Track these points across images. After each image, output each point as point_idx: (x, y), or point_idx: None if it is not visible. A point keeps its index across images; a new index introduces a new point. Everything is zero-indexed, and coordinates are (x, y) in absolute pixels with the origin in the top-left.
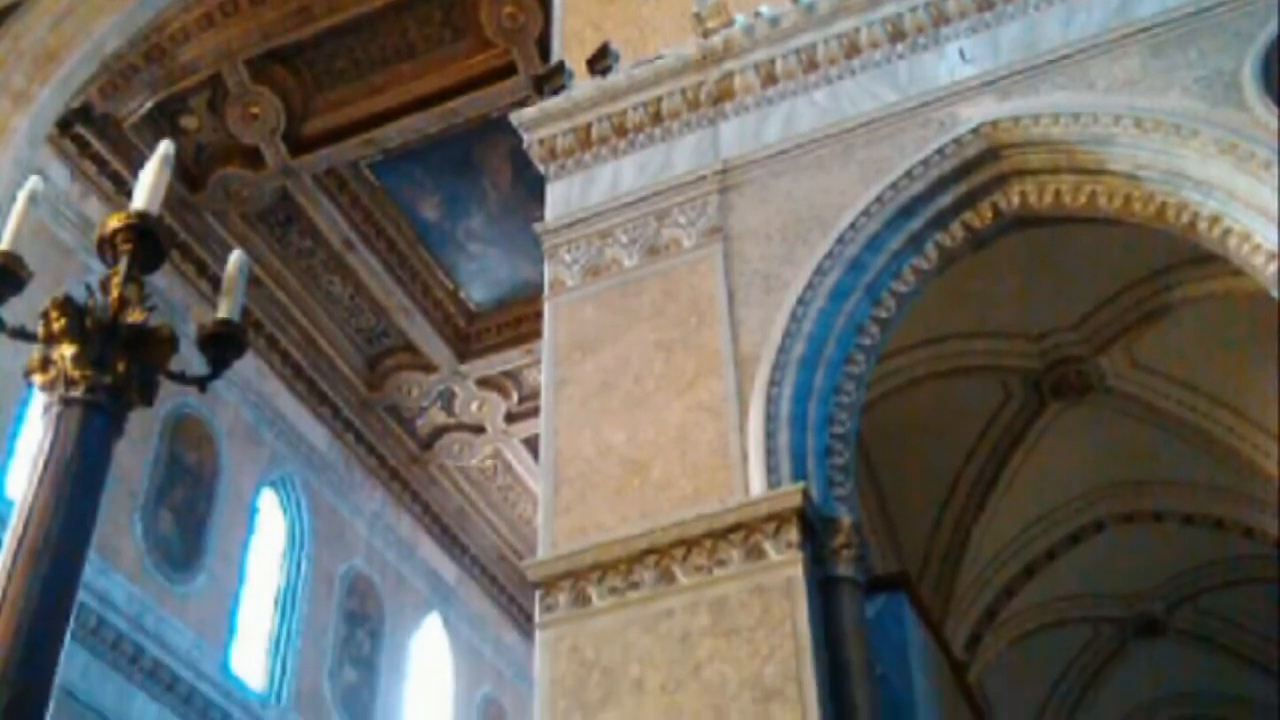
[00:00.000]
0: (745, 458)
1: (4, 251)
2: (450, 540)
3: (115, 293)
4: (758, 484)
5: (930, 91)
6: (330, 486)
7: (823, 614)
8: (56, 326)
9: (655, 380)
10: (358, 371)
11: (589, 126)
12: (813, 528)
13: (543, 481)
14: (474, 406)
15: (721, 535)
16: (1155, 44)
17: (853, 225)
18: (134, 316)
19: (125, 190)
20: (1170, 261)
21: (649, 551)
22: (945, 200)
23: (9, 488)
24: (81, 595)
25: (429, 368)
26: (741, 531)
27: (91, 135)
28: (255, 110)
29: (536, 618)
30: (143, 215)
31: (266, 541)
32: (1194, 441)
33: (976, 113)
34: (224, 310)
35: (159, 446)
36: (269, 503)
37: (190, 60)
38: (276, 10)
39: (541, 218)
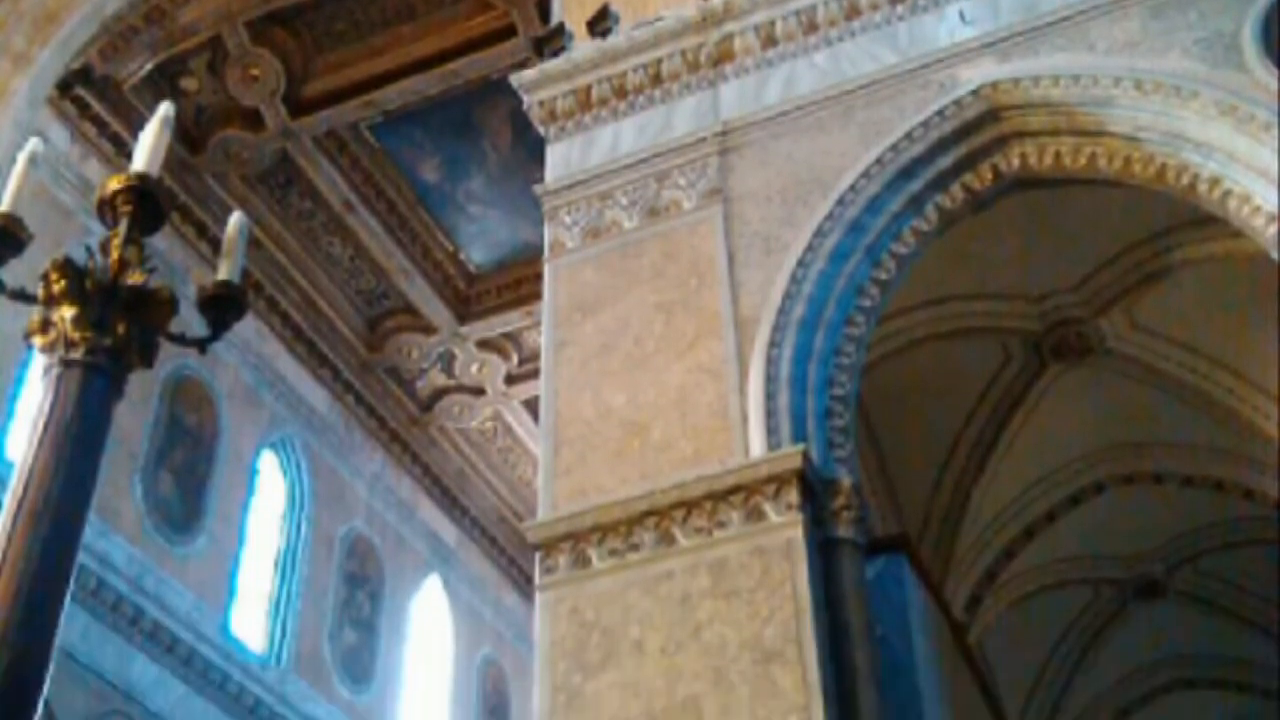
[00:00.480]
0: (745, 419)
1: (4, 213)
2: (450, 502)
3: (115, 254)
4: (758, 446)
5: (930, 53)
6: (330, 448)
7: (823, 575)
8: (56, 288)
9: (655, 342)
10: (358, 333)
11: (589, 88)
12: (813, 489)
13: (543, 443)
14: (474, 368)
15: (721, 497)
16: (1155, 5)
17: (853, 187)
18: (134, 278)
19: (125, 152)
20: (1170, 223)
21: (649, 513)
22: (945, 162)
23: (9, 449)
24: (81, 557)
25: (429, 329)
26: (741, 493)
27: (91, 97)
28: (255, 72)
29: (536, 579)
30: (143, 177)
31: (266, 503)
32: (1194, 403)
33: (976, 74)
34: (224, 272)
35: (159, 408)
36: (269, 464)
37: (190, 22)
38: None
39: (541, 179)
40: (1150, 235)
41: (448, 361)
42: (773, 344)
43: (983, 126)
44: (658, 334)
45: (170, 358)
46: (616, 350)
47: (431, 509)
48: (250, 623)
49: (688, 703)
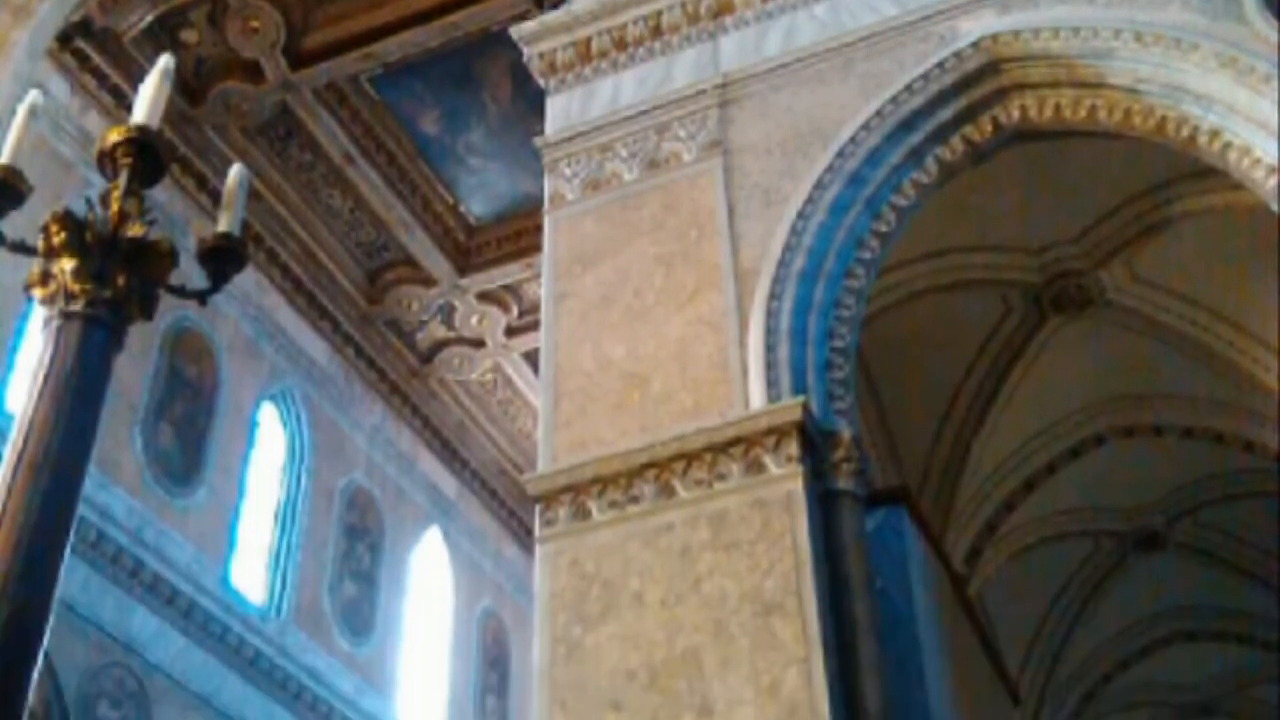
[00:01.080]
0: (745, 371)
1: (4, 165)
2: (450, 454)
3: (115, 206)
4: (757, 398)
5: (930, 5)
6: (330, 400)
7: (823, 528)
8: (56, 240)
9: (655, 294)
10: (358, 285)
11: (589, 40)
12: (812, 441)
13: (542, 395)
14: (474, 320)
15: (721, 449)
16: None
17: (852, 139)
18: (134, 230)
19: (125, 104)
20: (1170, 175)
21: (649, 465)
22: (945, 114)
23: (9, 401)
24: (81, 509)
25: (429, 282)
26: (741, 445)
27: (92, 49)
28: (255, 24)
29: (536, 531)
30: (143, 129)
31: (266, 455)
32: (1194, 355)
33: (977, 26)
34: (224, 224)
35: (159, 360)
36: (269, 416)
37: None
38: None
39: (542, 132)
40: (1150, 187)
41: (448, 313)
42: (773, 296)
43: (983, 79)
44: (658, 286)
45: (170, 310)
46: (616, 302)
47: (431, 461)
48: (250, 575)
49: (688, 654)
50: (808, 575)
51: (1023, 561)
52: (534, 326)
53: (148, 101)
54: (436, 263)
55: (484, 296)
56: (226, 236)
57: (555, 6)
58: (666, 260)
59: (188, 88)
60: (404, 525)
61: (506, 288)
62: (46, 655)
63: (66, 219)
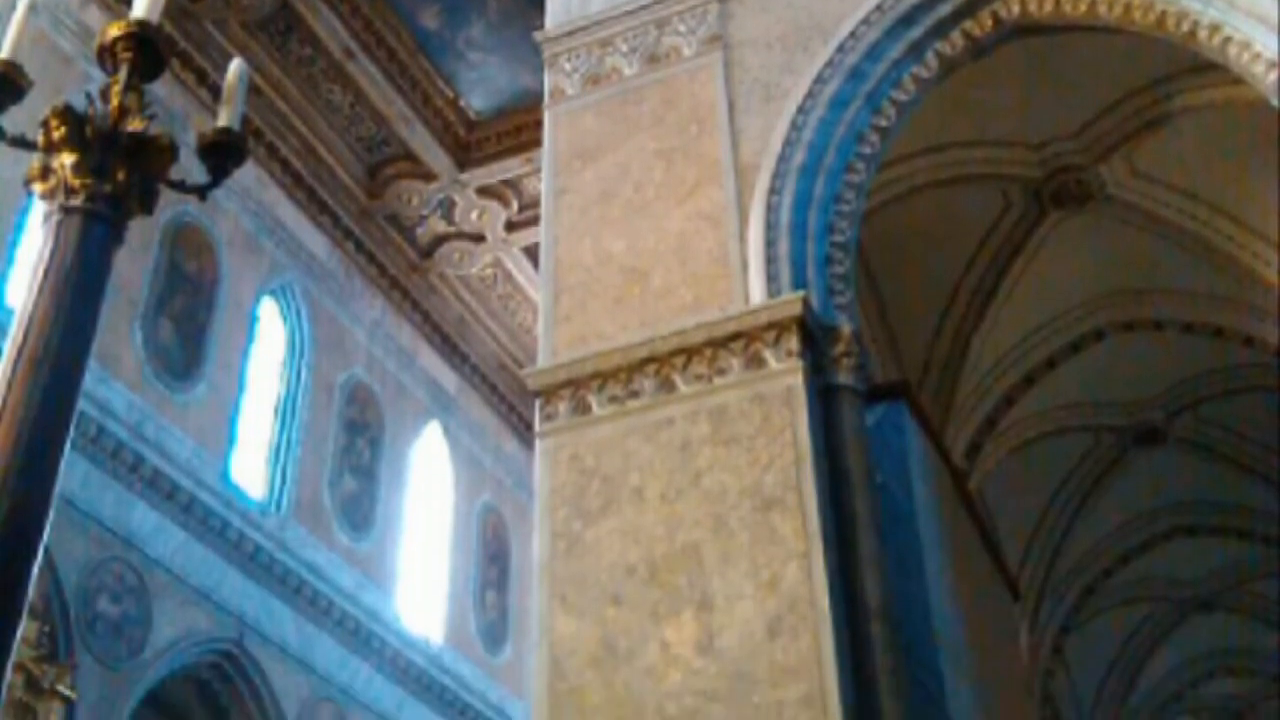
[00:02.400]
0: (745, 266)
1: (4, 60)
2: (450, 349)
3: (115, 101)
4: (758, 292)
5: None
6: (330, 295)
7: (823, 422)
8: (56, 135)
9: (655, 189)
10: (358, 180)
11: None
12: (813, 336)
13: (543, 290)
14: (474, 215)
15: (721, 344)
16: None
17: (853, 33)
18: (134, 125)
19: None
20: (1170, 70)
21: (649, 360)
22: (945, 9)
23: (9, 296)
24: (81, 404)
25: (429, 176)
26: (741, 340)
27: None
28: None
29: (536, 426)
30: (143, 23)
31: (266, 350)
32: (1194, 250)
33: None
34: (224, 119)
35: (159, 255)
36: (269, 311)
37: None
38: None
39: (542, 26)
40: (1150, 82)
41: (448, 208)
42: (773, 191)
43: None
44: (658, 181)
45: (170, 204)
46: (616, 197)
47: (431, 356)
48: (250, 470)
49: (687, 549)
50: (808, 470)
51: (1022, 456)
52: (534, 221)
53: None
54: (436, 157)
55: (484, 191)
56: (226, 131)
57: None
58: (666, 155)
59: None
60: (404, 420)
61: (506, 182)
62: (47, 550)
63: (66, 114)
